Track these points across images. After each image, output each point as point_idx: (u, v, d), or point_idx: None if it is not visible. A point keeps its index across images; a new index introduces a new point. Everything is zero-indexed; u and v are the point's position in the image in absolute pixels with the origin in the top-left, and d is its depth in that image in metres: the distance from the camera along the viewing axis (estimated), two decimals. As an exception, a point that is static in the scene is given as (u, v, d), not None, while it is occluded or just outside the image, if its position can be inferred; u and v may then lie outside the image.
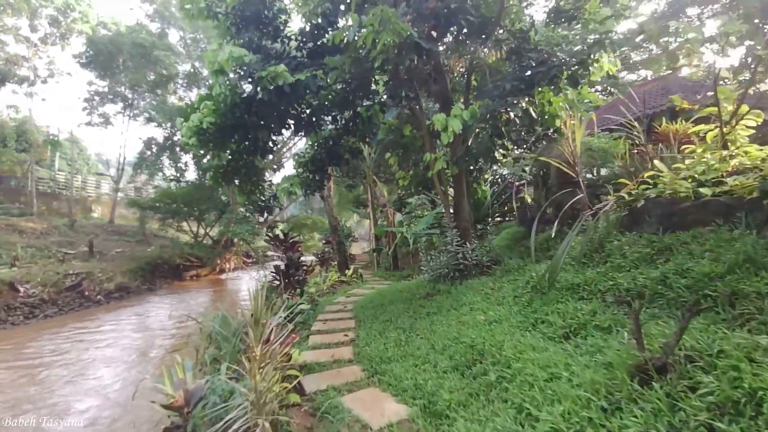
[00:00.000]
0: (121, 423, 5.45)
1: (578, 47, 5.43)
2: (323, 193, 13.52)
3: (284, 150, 26.48)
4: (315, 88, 6.21)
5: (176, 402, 2.91)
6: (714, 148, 4.63)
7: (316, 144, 8.89)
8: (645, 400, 2.13)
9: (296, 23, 8.07)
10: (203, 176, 21.72)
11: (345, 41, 6.06)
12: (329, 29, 6.94)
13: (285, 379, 3.80)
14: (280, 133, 7.96)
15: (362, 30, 5.02)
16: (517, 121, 5.76)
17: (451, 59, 8.74)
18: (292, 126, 7.61)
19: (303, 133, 8.33)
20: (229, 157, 7.58)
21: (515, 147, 7.37)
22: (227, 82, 6.19)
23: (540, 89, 5.91)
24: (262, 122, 6.96)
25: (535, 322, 3.99)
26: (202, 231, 24.90)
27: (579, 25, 7.17)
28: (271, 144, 7.87)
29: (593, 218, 5.12)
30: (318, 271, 13.89)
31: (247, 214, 21.12)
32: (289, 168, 36.97)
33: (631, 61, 18.10)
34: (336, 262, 15.00)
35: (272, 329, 3.22)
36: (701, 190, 4.06)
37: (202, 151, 7.33)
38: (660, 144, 5.88)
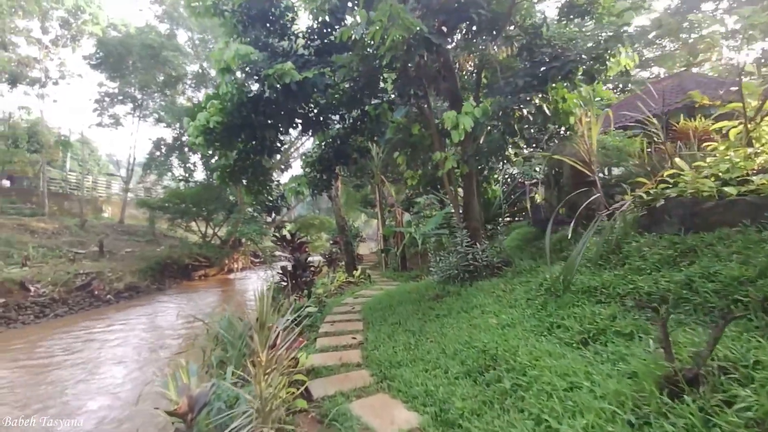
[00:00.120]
0: (128, 425, 5.42)
1: (594, 42, 5.22)
2: (331, 192, 13.45)
3: (292, 150, 26.50)
4: (322, 86, 6.12)
5: (180, 408, 2.82)
6: (738, 146, 4.44)
7: (323, 143, 8.80)
8: (676, 414, 1.98)
9: (303, 21, 8.00)
10: (211, 176, 21.80)
11: (353, 38, 5.95)
12: (336, 26, 6.84)
13: (292, 383, 3.70)
14: (288, 133, 7.89)
15: (370, 26, 4.90)
16: (531, 118, 5.59)
17: (461, 57, 8.59)
18: (300, 125, 7.53)
19: (310, 133, 8.24)
20: (236, 156, 7.52)
21: (527, 146, 7.20)
22: (234, 81, 6.11)
23: (553, 86, 5.74)
24: (269, 121, 6.89)
25: (551, 326, 3.84)
26: (210, 231, 25.02)
27: (592, 21, 6.98)
28: (278, 143, 7.80)
29: (608, 219, 4.95)
30: (325, 272, 13.82)
31: (255, 214, 21.17)
32: (296, 168, 37.00)
33: (643, 58, 17.75)
34: (344, 263, 14.92)
35: (278, 333, 3.12)
36: (726, 189, 3.89)
37: (209, 151, 7.27)
38: (679, 142, 5.68)
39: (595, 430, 2.11)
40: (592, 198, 4.99)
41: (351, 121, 8.42)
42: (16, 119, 22.66)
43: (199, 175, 26.42)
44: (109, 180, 32.42)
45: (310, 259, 9.06)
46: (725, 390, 2.00)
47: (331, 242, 20.44)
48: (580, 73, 5.39)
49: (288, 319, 3.81)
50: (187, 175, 26.10)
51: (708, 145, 4.74)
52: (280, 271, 8.19)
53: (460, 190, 8.12)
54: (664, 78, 13.08)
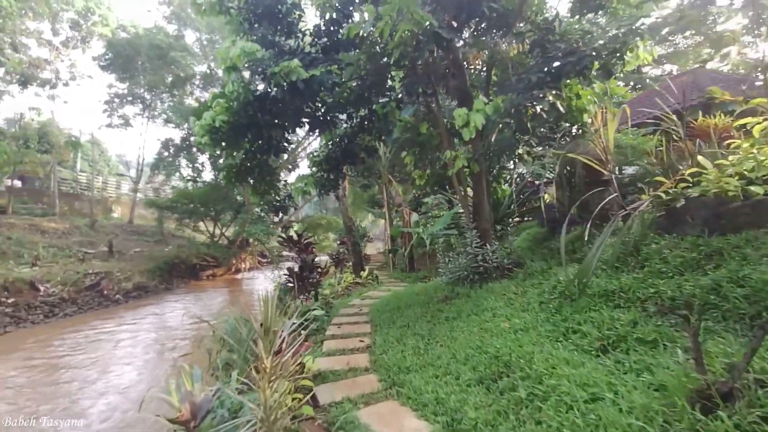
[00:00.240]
0: (134, 430, 5.37)
1: (611, 34, 5.03)
2: (338, 192, 13.35)
3: (299, 150, 26.48)
4: (329, 84, 6.01)
5: (182, 416, 2.72)
6: (763, 143, 4.23)
7: (330, 142, 8.69)
8: (710, 431, 1.83)
9: (310, 19, 7.90)
10: (219, 176, 21.87)
11: (360, 35, 5.83)
12: (344, 23, 6.73)
13: (298, 389, 3.59)
14: (294, 132, 7.79)
15: (378, 22, 4.77)
16: (544, 116, 5.41)
17: (470, 54, 8.43)
18: (307, 124, 7.42)
19: (317, 132, 8.13)
20: (243, 156, 7.44)
21: (539, 144, 7.02)
22: (240, 80, 6.03)
23: (567, 82, 5.56)
24: (275, 120, 6.80)
25: (566, 331, 3.68)
26: (218, 231, 25.09)
27: (606, 16, 6.79)
28: (285, 143, 7.71)
29: (624, 219, 4.77)
30: (333, 272, 13.73)
31: (262, 214, 21.17)
32: (303, 168, 37.05)
33: (656, 56, 17.43)
34: (351, 263, 14.81)
35: (284, 339, 3.01)
36: (752, 188, 3.70)
37: (215, 151, 7.20)
38: (698, 139, 5.47)
39: (622, 447, 1.97)
40: (609, 198, 4.80)
41: (358, 120, 8.30)
42: (27, 120, 22.91)
43: (207, 175, 26.55)
44: (119, 180, 32.73)
45: (317, 259, 8.97)
46: (762, 405, 1.86)
47: (339, 242, 20.35)
48: (596, 69, 5.21)
49: (294, 323, 3.70)
50: (195, 175, 26.21)
51: (730, 143, 4.53)
52: (287, 272, 8.10)
53: (469, 190, 7.97)
54: (677, 75, 12.77)
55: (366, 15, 5.59)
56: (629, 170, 6.90)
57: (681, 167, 4.88)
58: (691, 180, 4.34)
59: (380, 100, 7.99)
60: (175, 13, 24.72)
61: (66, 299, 13.15)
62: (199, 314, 11.71)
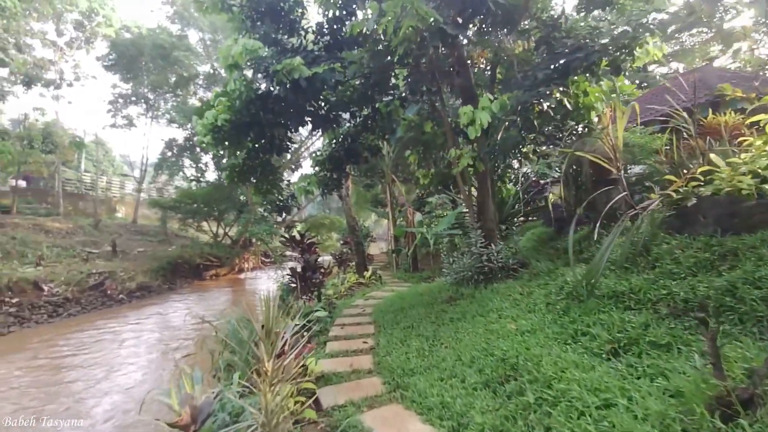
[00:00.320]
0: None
1: (620, 30, 4.92)
2: (341, 192, 13.27)
3: (302, 149, 26.45)
4: (332, 82, 5.93)
5: (181, 420, 2.66)
6: (777, 140, 4.12)
7: (333, 141, 8.63)
8: (731, 441, 1.74)
9: (313, 16, 7.83)
10: (222, 176, 21.87)
11: (364, 33, 5.76)
12: (347, 21, 6.66)
13: (301, 392, 3.52)
14: (297, 131, 7.72)
15: (382, 18, 4.69)
16: (551, 113, 5.31)
17: (475, 52, 8.34)
18: (309, 123, 7.36)
19: (320, 131, 8.07)
20: (245, 155, 7.39)
21: (545, 143, 6.92)
22: (242, 78, 5.97)
23: (575, 78, 5.45)
24: (278, 119, 6.73)
25: (575, 333, 3.59)
26: (221, 231, 25.10)
27: (613, 12, 6.67)
28: (287, 142, 7.65)
29: (632, 219, 4.67)
30: (335, 272, 13.67)
31: (265, 214, 21.12)
32: (306, 167, 36.99)
33: (666, 51, 17.26)
34: (354, 263, 14.74)
35: (286, 341, 2.94)
36: (766, 187, 3.60)
37: (218, 150, 7.15)
38: (708, 137, 5.35)
39: (638, 457, 1.88)
40: (618, 197, 4.70)
41: (362, 118, 8.23)
42: (32, 121, 23.00)
43: (211, 175, 26.58)
44: (123, 180, 32.82)
45: (320, 259, 8.90)
46: (787, 413, 1.76)
47: (342, 242, 20.28)
48: (604, 65, 5.10)
49: (297, 324, 3.64)
50: (198, 175, 26.24)
51: (743, 141, 4.42)
52: (289, 273, 8.03)
53: (473, 189, 7.88)
54: (684, 73, 12.60)
55: (369, 12, 5.52)
56: (636, 169, 6.80)
57: (691, 165, 4.78)
58: (702, 178, 4.24)
59: (384, 99, 7.92)
60: (178, 12, 24.74)
61: (70, 299, 13.16)
62: (202, 314, 11.69)
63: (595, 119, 6.54)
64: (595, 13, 6.98)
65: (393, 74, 7.50)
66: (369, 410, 3.44)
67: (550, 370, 3.00)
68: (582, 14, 6.84)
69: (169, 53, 22.15)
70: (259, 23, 6.50)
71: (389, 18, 4.45)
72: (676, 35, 17.95)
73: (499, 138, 6.30)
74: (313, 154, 9.40)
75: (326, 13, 6.54)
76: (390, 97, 7.93)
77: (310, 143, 26.15)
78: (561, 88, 5.27)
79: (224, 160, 11.20)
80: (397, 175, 15.97)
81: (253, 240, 24.23)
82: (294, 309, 3.62)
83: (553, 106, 5.23)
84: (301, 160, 27.21)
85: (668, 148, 5.53)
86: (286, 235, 9.12)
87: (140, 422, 5.13)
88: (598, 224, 4.48)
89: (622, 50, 4.95)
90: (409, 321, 6.10)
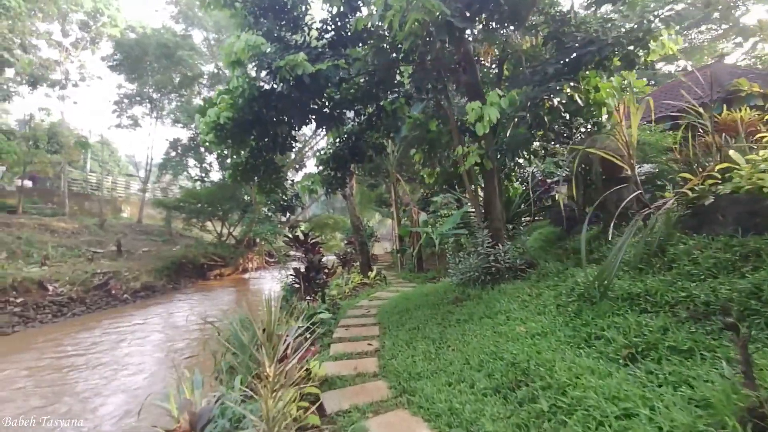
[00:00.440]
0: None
1: (635, 22, 4.77)
2: (345, 191, 13.17)
3: (306, 149, 26.40)
4: (336, 79, 5.81)
5: (180, 427, 2.56)
6: (799, 137, 3.96)
7: (337, 140, 8.51)
8: (768, 458, 1.61)
9: (317, 12, 7.72)
10: (226, 176, 21.88)
11: (368, 28, 5.64)
12: (351, 16, 6.54)
13: (304, 397, 3.41)
14: (300, 129, 7.62)
15: (387, 12, 4.57)
16: (562, 109, 5.16)
17: (481, 49, 8.20)
18: (313, 121, 7.25)
19: (324, 129, 7.95)
20: (248, 154, 7.30)
21: (555, 141, 6.76)
22: (245, 75, 5.88)
23: (586, 73, 5.29)
24: (281, 117, 6.63)
25: (588, 337, 3.45)
26: (225, 231, 25.09)
27: (624, 7, 6.51)
28: (291, 140, 7.54)
29: (644, 218, 4.51)
30: (340, 273, 13.57)
31: (269, 214, 21.08)
32: (310, 167, 37.00)
33: (681, 44, 17.08)
34: (358, 263, 14.64)
35: (289, 345, 2.83)
36: (790, 184, 3.44)
37: (221, 149, 7.06)
38: (724, 134, 5.18)
39: (665, 473, 1.75)
40: (632, 195, 4.55)
41: (366, 116, 8.11)
42: (38, 121, 23.11)
43: (215, 175, 26.60)
44: (128, 180, 32.94)
45: (324, 259, 8.80)
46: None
47: (346, 242, 20.19)
48: (617, 59, 4.94)
49: (300, 327, 3.53)
50: (202, 174, 26.26)
51: (763, 137, 4.26)
52: (293, 273, 7.94)
53: (479, 188, 7.74)
54: (694, 70, 12.38)
55: (374, 9, 5.39)
56: (645, 167, 6.64)
57: (707, 163, 4.62)
58: (719, 176, 4.09)
59: (389, 97, 7.80)
60: (183, 12, 24.76)
61: (74, 299, 13.17)
62: (206, 314, 11.64)
63: (605, 117, 6.39)
64: (605, 8, 6.83)
65: (398, 72, 7.38)
66: (374, 416, 3.33)
67: (564, 376, 2.87)
68: (591, 10, 6.69)
69: (173, 52, 22.17)
70: (262, 19, 6.39)
71: (395, 11, 4.33)
72: (684, 32, 17.71)
73: (507, 135, 6.16)
74: (317, 153, 9.29)
75: (330, 9, 6.42)
76: (395, 95, 7.81)
77: (314, 142, 26.11)
78: (572, 84, 5.11)
79: (228, 160, 11.11)
80: (402, 174, 15.86)
81: (257, 240, 24.21)
82: (297, 310, 3.52)
83: (564, 101, 5.07)
84: (305, 159, 27.17)
85: (682, 145, 5.37)
86: (290, 235, 9.01)
87: (140, 428, 5.04)
88: (612, 223, 4.32)
89: (636, 43, 4.79)
90: (414, 322, 5.98)
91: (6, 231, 15.88)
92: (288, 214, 16.56)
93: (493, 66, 8.85)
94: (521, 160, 7.59)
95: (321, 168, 8.66)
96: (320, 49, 6.15)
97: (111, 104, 25.37)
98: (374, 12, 5.21)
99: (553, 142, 7.09)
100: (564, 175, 8.49)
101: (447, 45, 5.94)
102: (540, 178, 9.61)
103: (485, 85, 8.20)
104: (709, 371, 2.30)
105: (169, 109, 26.44)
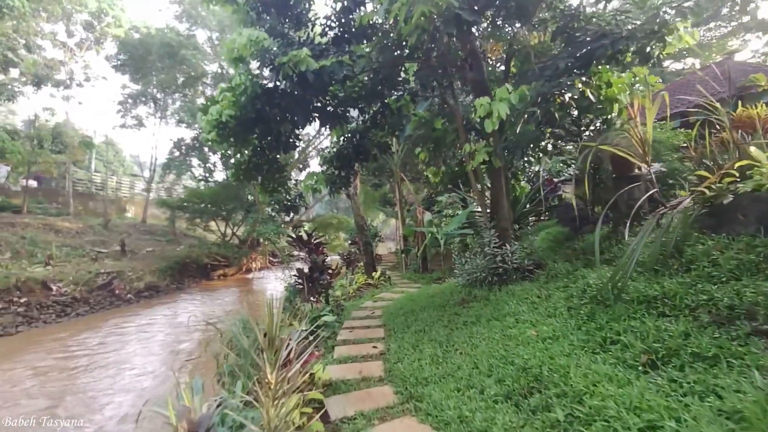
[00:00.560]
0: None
1: (651, 14, 4.61)
2: (349, 191, 13.06)
3: (309, 148, 26.32)
4: (340, 76, 5.69)
5: (178, 436, 2.46)
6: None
7: (341, 138, 8.40)
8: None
9: (320, 9, 7.61)
10: (229, 176, 21.83)
11: (373, 24, 5.52)
12: (356, 11, 6.42)
13: (307, 403, 3.30)
14: (304, 127, 7.50)
15: (393, 5, 4.44)
16: (573, 104, 5.01)
17: (487, 46, 8.06)
18: (317, 119, 7.13)
19: (328, 127, 7.83)
20: (251, 152, 7.20)
21: (565, 138, 6.61)
22: (247, 72, 5.77)
23: (598, 68, 5.14)
24: (284, 114, 6.52)
25: (603, 341, 3.30)
26: (229, 231, 25.06)
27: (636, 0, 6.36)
28: (294, 138, 7.43)
29: (657, 218, 4.36)
30: (344, 273, 13.46)
31: (273, 214, 21.02)
32: (314, 167, 36.97)
33: (698, 38, 16.84)
34: (362, 264, 14.52)
35: (292, 349, 2.72)
36: (815, 182, 3.28)
37: (223, 147, 6.97)
38: (740, 131, 5.01)
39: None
40: (649, 193, 4.40)
41: (371, 114, 7.99)
42: (42, 121, 23.18)
43: (219, 174, 26.59)
44: (133, 180, 33.04)
45: (327, 259, 8.68)
46: None
47: (350, 242, 20.08)
48: (631, 53, 4.78)
49: (303, 330, 3.41)
50: (206, 174, 26.25)
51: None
52: (296, 274, 7.83)
53: (486, 187, 7.60)
54: (706, 66, 12.17)
55: (380, 2, 5.27)
56: (655, 166, 6.48)
57: (722, 161, 4.46)
58: (737, 174, 3.93)
59: (393, 94, 7.67)
60: (186, 11, 24.75)
61: (78, 299, 13.14)
62: (209, 314, 11.59)
63: (614, 114, 6.23)
64: (612, 5, 6.67)
65: (403, 69, 7.25)
66: (381, 423, 3.21)
67: (580, 383, 2.74)
68: (601, 5, 6.54)
69: (176, 52, 22.15)
70: (264, 15, 6.29)
71: (401, 3, 4.20)
72: (695, 28, 17.49)
73: (517, 132, 6.01)
74: (321, 152, 9.18)
75: (334, 4, 6.31)
76: (400, 93, 7.68)
77: (317, 141, 26.01)
78: (583, 79, 4.96)
79: (231, 160, 11.04)
80: (406, 173, 15.73)
81: (261, 240, 24.16)
82: (301, 312, 3.41)
83: (575, 97, 4.92)
84: (309, 158, 27.10)
85: (696, 142, 5.21)
86: (293, 235, 8.90)
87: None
88: (626, 223, 4.17)
89: (651, 36, 4.62)
90: (420, 324, 5.86)
91: (10, 231, 15.91)
92: (291, 214, 16.52)
93: (500, 63, 8.71)
94: (535, 158, 7.42)
95: (325, 167, 8.54)
96: (324, 46, 6.03)
97: (115, 104, 25.58)
98: (380, 6, 5.09)
99: (562, 140, 6.93)
100: (571, 173, 8.33)
101: (453, 41, 5.80)
102: (546, 177, 9.45)
103: (492, 82, 8.06)
104: (738, 380, 2.15)
105: (173, 109, 26.49)
